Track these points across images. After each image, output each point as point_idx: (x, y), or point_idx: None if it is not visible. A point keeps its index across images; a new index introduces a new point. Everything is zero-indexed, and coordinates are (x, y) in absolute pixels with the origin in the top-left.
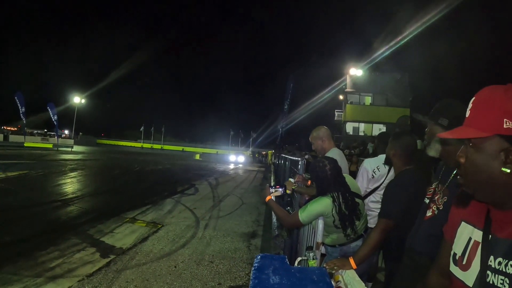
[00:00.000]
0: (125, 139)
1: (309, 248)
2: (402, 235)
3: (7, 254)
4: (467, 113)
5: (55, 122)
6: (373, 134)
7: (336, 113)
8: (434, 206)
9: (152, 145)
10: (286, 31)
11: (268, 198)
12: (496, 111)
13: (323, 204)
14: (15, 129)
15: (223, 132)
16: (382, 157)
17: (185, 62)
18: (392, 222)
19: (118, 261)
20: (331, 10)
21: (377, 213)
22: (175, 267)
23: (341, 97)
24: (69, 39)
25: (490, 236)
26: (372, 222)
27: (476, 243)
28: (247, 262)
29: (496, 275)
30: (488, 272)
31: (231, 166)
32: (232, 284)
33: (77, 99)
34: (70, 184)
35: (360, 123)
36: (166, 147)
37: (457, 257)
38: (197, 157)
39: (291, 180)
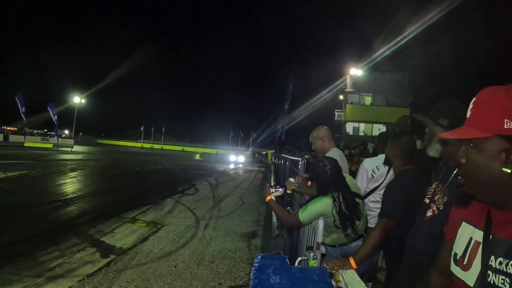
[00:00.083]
0: (125, 139)
1: (310, 248)
2: (402, 235)
3: (7, 254)
4: (468, 114)
5: (55, 122)
6: (373, 134)
7: (336, 113)
8: (434, 206)
9: (152, 145)
10: (286, 31)
11: (268, 198)
12: (496, 111)
13: (324, 204)
14: (15, 129)
15: (223, 132)
16: (382, 157)
17: (185, 62)
18: (392, 222)
19: (118, 261)
20: (331, 10)
21: (377, 213)
22: (176, 267)
23: (341, 97)
24: (69, 39)
25: (490, 236)
26: (372, 222)
27: (477, 243)
28: (247, 262)
29: (497, 275)
30: (489, 272)
31: (231, 166)
32: (232, 284)
33: (77, 99)
34: (70, 184)
35: (360, 123)
36: (166, 147)
37: (458, 257)
38: (197, 157)
39: (291, 180)
